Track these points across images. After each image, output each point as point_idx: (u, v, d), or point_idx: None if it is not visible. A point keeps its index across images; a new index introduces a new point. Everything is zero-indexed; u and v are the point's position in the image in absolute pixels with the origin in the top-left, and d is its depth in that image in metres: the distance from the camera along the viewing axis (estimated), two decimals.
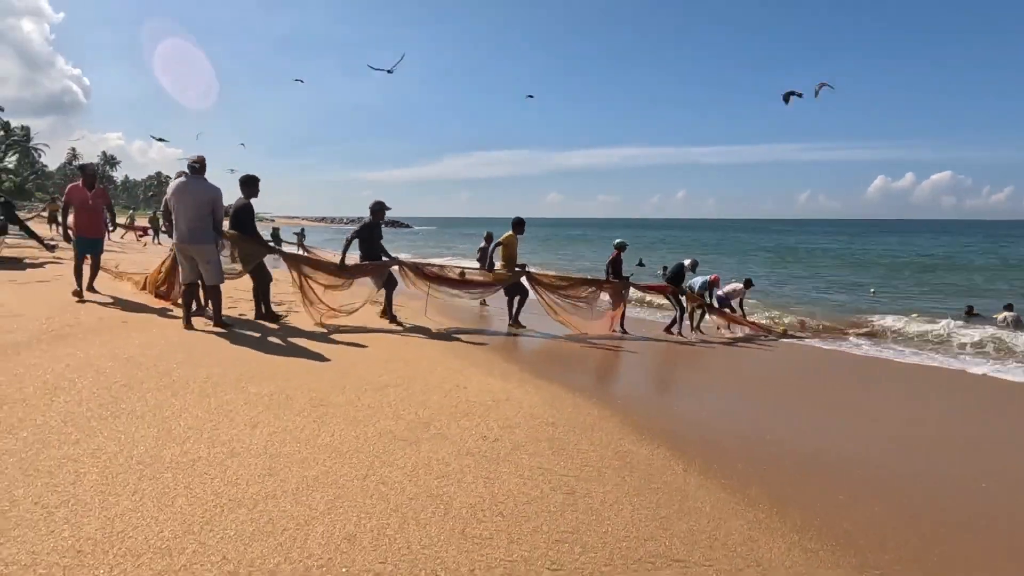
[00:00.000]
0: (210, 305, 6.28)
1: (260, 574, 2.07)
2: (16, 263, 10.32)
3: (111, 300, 7.15)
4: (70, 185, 7.27)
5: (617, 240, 9.93)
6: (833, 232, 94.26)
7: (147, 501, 2.48)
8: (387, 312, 7.87)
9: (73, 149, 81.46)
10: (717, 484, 3.33)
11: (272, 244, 7.64)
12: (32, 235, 11.24)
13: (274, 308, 7.14)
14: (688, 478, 3.38)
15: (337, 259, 7.72)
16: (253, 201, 6.89)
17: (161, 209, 6.00)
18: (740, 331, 10.58)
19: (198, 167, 5.96)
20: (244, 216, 6.73)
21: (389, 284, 7.84)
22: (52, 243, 11.29)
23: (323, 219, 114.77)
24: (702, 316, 10.56)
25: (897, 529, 3.04)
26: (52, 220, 23.31)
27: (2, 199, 10.44)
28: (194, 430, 3.28)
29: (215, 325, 6.10)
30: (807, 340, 10.00)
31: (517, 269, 8.62)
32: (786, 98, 10.23)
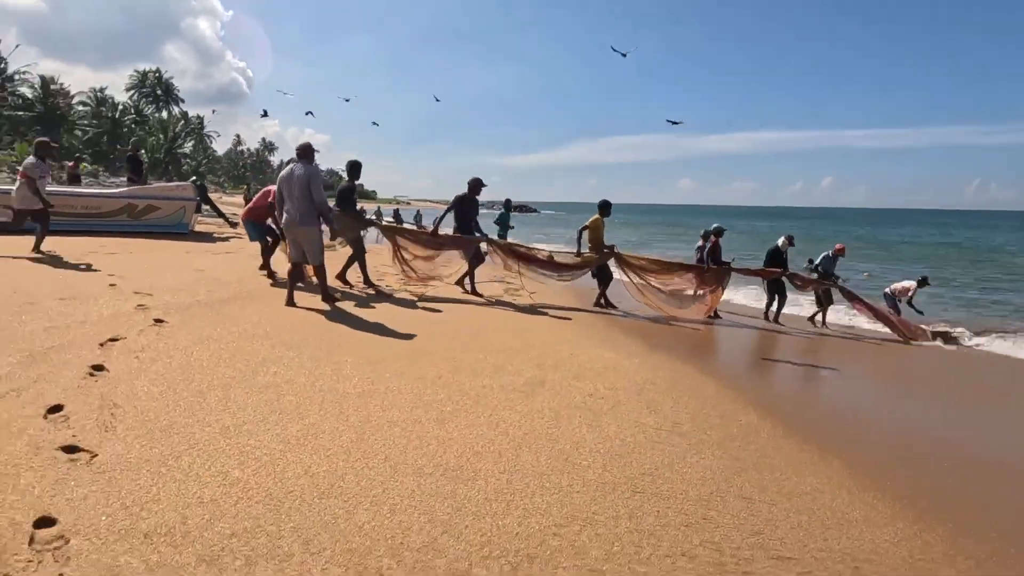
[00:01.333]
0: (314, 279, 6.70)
1: (411, 470, 2.79)
2: (207, 237, 12.28)
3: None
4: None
5: (714, 226, 9.61)
6: (1004, 225, 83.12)
7: (329, 417, 3.31)
8: (462, 282, 8.47)
9: (238, 136, 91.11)
10: (796, 447, 3.67)
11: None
12: (219, 213, 13.26)
13: (391, 287, 7.98)
14: (771, 440, 3.74)
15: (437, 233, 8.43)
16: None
17: (275, 198, 6.42)
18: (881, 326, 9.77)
19: (303, 153, 6.20)
20: (347, 195, 7.77)
21: (476, 259, 8.40)
22: (235, 220, 13.24)
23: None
24: (825, 306, 9.97)
25: (960, 503, 3.25)
26: (247, 200, 26.83)
27: (199, 182, 12.42)
28: (357, 371, 4.14)
29: (323, 300, 6.38)
30: (937, 341, 9.37)
31: (605, 251, 8.71)
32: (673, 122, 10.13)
